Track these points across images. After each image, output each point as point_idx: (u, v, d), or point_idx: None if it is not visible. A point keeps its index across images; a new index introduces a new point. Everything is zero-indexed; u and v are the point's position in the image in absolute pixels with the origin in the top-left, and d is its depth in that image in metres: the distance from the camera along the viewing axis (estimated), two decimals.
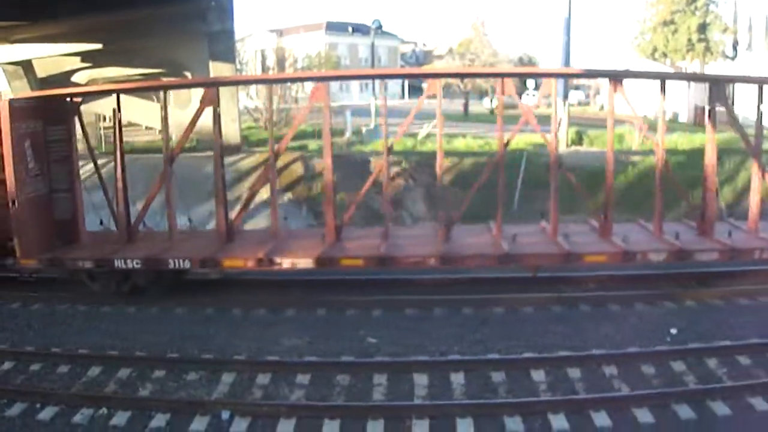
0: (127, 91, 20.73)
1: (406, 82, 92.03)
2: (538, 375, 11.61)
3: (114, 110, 17.10)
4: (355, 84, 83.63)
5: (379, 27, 45.95)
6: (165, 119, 17.09)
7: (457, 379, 11.55)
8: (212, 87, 16.52)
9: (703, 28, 65.78)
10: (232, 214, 17.32)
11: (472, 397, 11.00)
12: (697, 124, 25.47)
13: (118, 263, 15.69)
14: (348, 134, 36.12)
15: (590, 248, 15.72)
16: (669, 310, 14.80)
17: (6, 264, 17.48)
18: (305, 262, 15.49)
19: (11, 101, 16.01)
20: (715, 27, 66.00)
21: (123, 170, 17.04)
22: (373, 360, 12.60)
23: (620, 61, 66.49)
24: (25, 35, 26.96)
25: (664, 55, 68.58)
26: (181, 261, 15.81)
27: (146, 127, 36.67)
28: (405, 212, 24.16)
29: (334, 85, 75.93)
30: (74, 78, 31.37)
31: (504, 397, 10.96)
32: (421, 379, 11.60)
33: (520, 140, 30.55)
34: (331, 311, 15.39)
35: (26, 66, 29.72)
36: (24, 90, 28.67)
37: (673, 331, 13.45)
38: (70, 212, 17.34)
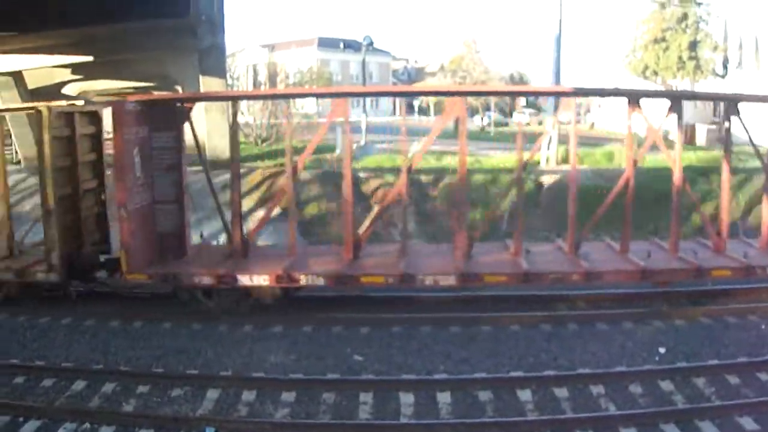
0: (243, 98, 20.21)
1: (398, 100, 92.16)
2: (525, 394, 11.55)
3: (233, 116, 17.28)
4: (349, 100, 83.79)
5: (371, 43, 45.94)
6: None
7: (444, 398, 11.47)
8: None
9: (693, 45, 66.06)
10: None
11: (458, 416, 10.93)
12: (687, 142, 25.57)
13: (244, 280, 15.27)
14: (338, 151, 36.09)
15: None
16: (657, 328, 14.73)
17: (99, 278, 17.21)
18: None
19: (124, 104, 15.59)
20: (705, 45, 66.31)
21: (238, 180, 16.88)
22: (359, 378, 12.52)
23: (612, 79, 66.59)
24: (15, 46, 26.89)
25: (655, 73, 68.87)
26: (314, 277, 15.34)
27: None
28: (394, 230, 24.06)
29: (326, 101, 76.14)
30: (65, 90, 31.34)
31: (491, 416, 10.90)
32: (407, 398, 11.53)
33: (510, 159, 30.61)
34: (317, 328, 15.25)
35: (17, 77, 29.62)
36: (14, 102, 28.56)
37: (662, 350, 13.42)
38: (176, 225, 16.62)
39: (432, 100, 78.86)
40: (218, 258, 16.52)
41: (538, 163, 30.31)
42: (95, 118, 17.77)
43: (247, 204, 24.03)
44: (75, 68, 29.91)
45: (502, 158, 31.72)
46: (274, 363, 13.39)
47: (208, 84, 29.31)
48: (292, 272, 15.30)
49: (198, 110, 26.66)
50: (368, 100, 59.53)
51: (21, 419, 10.99)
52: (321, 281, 15.22)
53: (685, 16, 67.24)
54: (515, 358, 13.24)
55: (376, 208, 17.09)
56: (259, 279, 15.19)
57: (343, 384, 12.20)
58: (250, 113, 45.11)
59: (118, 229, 15.51)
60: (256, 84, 67.92)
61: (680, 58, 66.70)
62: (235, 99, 19.68)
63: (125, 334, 15.15)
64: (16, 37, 25.57)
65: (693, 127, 46.60)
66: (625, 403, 11.14)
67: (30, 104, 17.70)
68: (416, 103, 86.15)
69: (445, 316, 15.61)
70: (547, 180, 26.50)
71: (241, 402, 11.61)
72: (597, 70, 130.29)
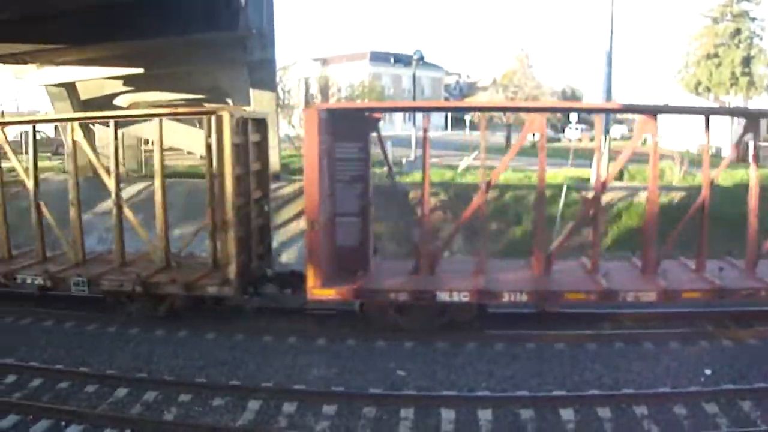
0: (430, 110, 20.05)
1: (449, 115, 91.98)
2: (567, 413, 11.36)
3: (377, 130, 16.41)
4: (398, 115, 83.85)
5: (421, 58, 45.91)
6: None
7: (485, 415, 11.33)
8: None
9: (747, 61, 65.31)
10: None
11: None
12: (739, 160, 25.11)
13: (443, 296, 14.79)
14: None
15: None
16: (704, 349, 14.42)
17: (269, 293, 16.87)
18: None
19: (319, 111, 15.11)
20: (759, 61, 65.53)
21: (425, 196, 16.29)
22: (400, 393, 12.41)
23: (663, 95, 65.92)
24: (69, 58, 27.32)
25: (708, 89, 68.09)
26: (517, 294, 14.80)
27: (187, 152, 36.99)
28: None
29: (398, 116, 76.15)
30: (116, 101, 31.74)
31: None
32: (448, 414, 11.40)
33: (559, 174, 30.34)
34: (360, 342, 15.19)
35: (69, 88, 30.09)
36: (67, 111, 29.04)
37: (708, 371, 13.12)
38: (358, 239, 16.02)
39: (482, 115, 78.39)
40: (402, 273, 16.07)
41: (589, 179, 29.99)
42: (262, 126, 17.53)
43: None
44: (126, 80, 30.25)
45: (552, 174, 31.44)
46: (316, 376, 13.35)
47: (258, 97, 29.47)
48: (493, 288, 14.95)
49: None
50: (418, 114, 59.57)
51: (63, 423, 11.09)
52: (524, 297, 14.78)
53: (738, 31, 66.44)
54: (559, 377, 13.05)
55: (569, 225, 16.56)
56: (458, 295, 14.75)
57: (385, 399, 12.10)
58: (301, 126, 45.33)
59: (305, 242, 15.35)
60: (307, 98, 68.19)
61: (733, 73, 65.97)
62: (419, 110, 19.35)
63: (168, 343, 15.25)
64: (69, 50, 25.96)
65: (746, 145, 45.69)
66: (668, 425, 10.90)
67: (208, 108, 17.49)
68: (467, 118, 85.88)
69: (489, 333, 15.43)
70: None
71: (282, 414, 11.57)
72: (649, 85, 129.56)
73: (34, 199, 18.18)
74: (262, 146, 17.57)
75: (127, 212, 17.50)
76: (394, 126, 76.11)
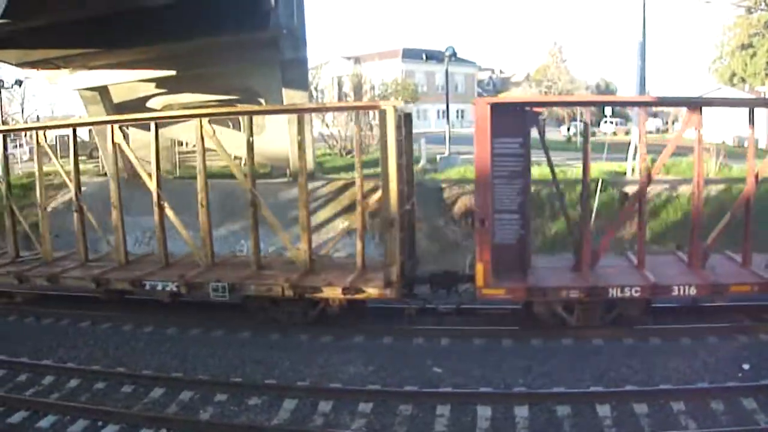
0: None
1: None
2: (604, 410, 11.22)
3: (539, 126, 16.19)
4: (432, 111, 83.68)
5: (454, 54, 45.56)
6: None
7: (521, 412, 11.23)
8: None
9: None
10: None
11: (535, 431, 10.67)
12: None
13: (614, 292, 14.58)
14: (422, 162, 35.99)
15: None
16: (742, 344, 14.21)
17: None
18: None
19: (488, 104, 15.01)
20: None
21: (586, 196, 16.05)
22: (437, 390, 12.33)
23: (698, 86, 65.31)
24: (101, 62, 27.46)
25: (743, 80, 67.27)
26: (687, 287, 14.63)
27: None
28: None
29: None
30: (149, 104, 31.79)
31: None
32: (484, 411, 11.31)
33: (594, 168, 30.02)
34: (398, 339, 15.14)
35: (102, 92, 30.23)
36: (101, 115, 29.22)
37: (746, 366, 12.91)
38: (517, 236, 15.67)
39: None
40: (560, 271, 16.01)
41: (624, 173, 29.70)
42: (408, 121, 17.13)
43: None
44: (159, 82, 30.34)
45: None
46: (352, 374, 13.31)
47: (291, 97, 29.42)
48: (664, 283, 14.81)
49: (280, 121, 26.98)
50: (453, 110, 59.21)
51: (100, 423, 11.16)
52: (693, 291, 14.66)
53: None
54: (596, 372, 12.89)
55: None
56: (630, 291, 14.61)
57: (421, 396, 12.03)
58: (335, 125, 45.34)
59: (476, 241, 15.12)
60: (341, 96, 68.26)
61: None
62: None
63: (204, 342, 15.29)
64: (101, 54, 26.12)
65: None
66: (706, 421, 10.73)
67: (370, 103, 17.07)
68: None
69: (524, 328, 15.34)
70: (632, 190, 25.91)
71: (317, 412, 11.55)
72: (683, 77, 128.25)
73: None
74: (408, 141, 17.14)
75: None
76: (428, 122, 75.99)
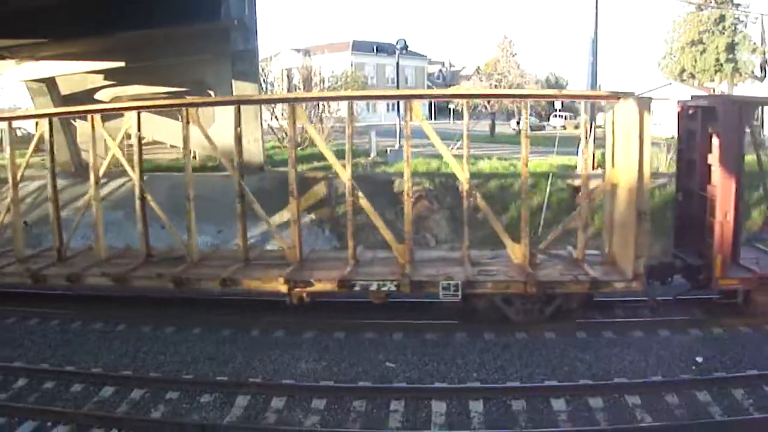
0: None
1: (434, 104, 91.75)
2: (559, 404, 11.28)
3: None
4: (381, 104, 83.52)
5: (405, 47, 45.67)
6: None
7: (476, 407, 11.23)
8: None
9: (731, 48, 65.51)
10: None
11: (490, 426, 10.68)
12: None
13: None
14: (373, 155, 36.00)
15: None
16: (695, 337, 14.41)
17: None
18: None
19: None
20: (743, 47, 65.70)
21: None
22: (391, 386, 12.31)
23: (647, 82, 66.11)
24: (49, 53, 27.03)
25: (692, 75, 68.30)
26: None
27: (171, 146, 36.70)
28: (429, 234, 23.85)
29: (361, 105, 76.15)
30: (97, 95, 31.36)
31: (523, 427, 10.64)
32: (439, 407, 11.30)
33: (544, 162, 30.31)
34: (350, 334, 15.04)
35: (50, 83, 29.76)
36: (48, 107, 28.74)
37: (699, 359, 13.09)
38: None
39: (466, 103, 78.38)
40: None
41: (575, 167, 29.95)
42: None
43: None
44: (108, 74, 29.93)
45: (538, 162, 31.41)
46: (304, 370, 13.22)
47: (241, 88, 29.21)
48: None
49: (229, 114, 26.74)
50: (402, 104, 59.23)
51: (49, 424, 10.93)
52: None
53: (722, 18, 66.66)
54: (550, 367, 12.95)
55: None
56: None
57: (374, 392, 12.00)
58: (284, 117, 45.09)
59: (716, 233, 15.08)
60: (290, 89, 67.81)
61: (717, 60, 66.20)
62: None
63: (155, 339, 15.07)
64: (49, 44, 25.70)
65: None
66: (661, 414, 10.84)
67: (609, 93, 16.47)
68: (452, 106, 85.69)
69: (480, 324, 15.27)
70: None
71: (270, 409, 11.45)
72: (633, 72, 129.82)
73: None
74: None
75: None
76: (378, 115, 75.89)
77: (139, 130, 17.57)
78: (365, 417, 11.19)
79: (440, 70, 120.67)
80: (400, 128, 39.11)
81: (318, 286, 15.46)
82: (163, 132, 31.36)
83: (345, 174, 16.58)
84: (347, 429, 10.84)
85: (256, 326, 15.60)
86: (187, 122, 17.23)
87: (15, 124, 19.47)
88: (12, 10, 22.03)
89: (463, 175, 16.15)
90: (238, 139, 17.31)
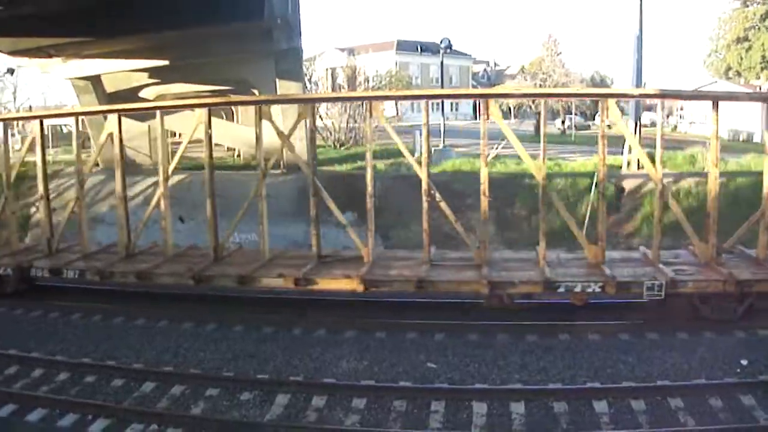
0: None
1: (478, 103, 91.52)
2: (601, 406, 11.05)
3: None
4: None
5: (449, 46, 45.48)
6: None
7: (517, 408, 11.05)
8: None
9: None
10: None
11: (531, 428, 10.50)
12: None
13: None
14: (417, 154, 35.86)
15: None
16: (740, 339, 14.03)
17: None
18: None
19: None
20: None
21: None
22: (431, 386, 12.16)
23: (693, 80, 65.38)
24: (94, 51, 27.25)
25: (738, 73, 67.29)
26: None
27: (215, 144, 36.89)
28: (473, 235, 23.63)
29: (406, 105, 75.91)
30: (142, 93, 31.58)
31: (565, 429, 10.44)
32: (480, 408, 11.14)
33: (589, 163, 29.96)
34: (391, 334, 14.92)
35: (95, 81, 30.02)
36: (93, 104, 28.99)
37: (744, 362, 12.76)
38: None
39: (512, 103, 78.10)
40: None
41: (620, 167, 29.59)
42: None
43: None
44: (152, 72, 30.11)
45: (583, 162, 31.07)
46: (345, 369, 13.13)
47: (285, 87, 29.27)
48: None
49: (275, 113, 26.78)
50: (447, 103, 59.07)
51: (90, 417, 10.97)
52: None
53: None
54: (592, 368, 12.73)
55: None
56: None
57: (415, 392, 11.85)
58: (328, 117, 45.16)
59: None
60: (335, 88, 67.96)
61: (764, 57, 65.08)
62: None
63: (197, 336, 15.08)
64: (94, 43, 25.92)
65: None
66: (704, 418, 10.58)
67: None
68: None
69: (521, 323, 15.10)
70: (628, 184, 25.82)
71: (311, 407, 11.36)
72: (679, 70, 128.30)
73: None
74: None
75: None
76: (421, 114, 75.81)
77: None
78: None
79: (485, 70, 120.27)
80: (444, 128, 39.01)
81: (522, 288, 15.35)
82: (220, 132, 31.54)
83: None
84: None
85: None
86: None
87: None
88: (56, 8, 22.24)
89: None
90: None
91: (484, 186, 16.35)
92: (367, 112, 16.95)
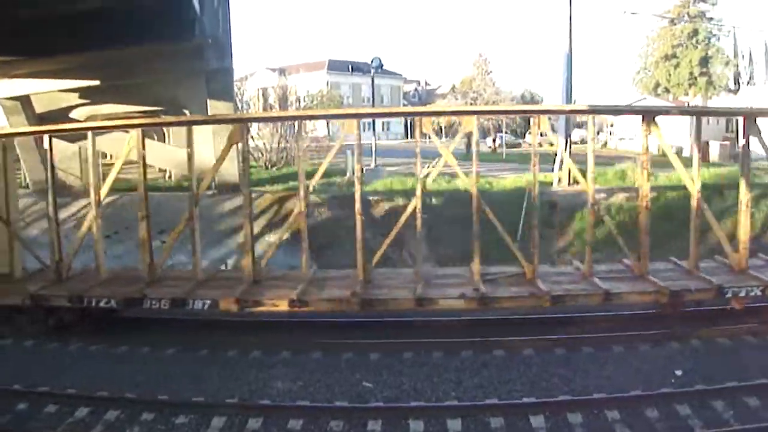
0: None
1: (409, 122, 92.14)
2: (538, 420, 11.18)
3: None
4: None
5: (380, 66, 45.92)
6: None
7: (454, 425, 11.13)
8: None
9: (704, 61, 66.22)
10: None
11: None
12: (703, 160, 25.15)
13: None
14: (349, 174, 36.00)
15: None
16: (674, 350, 14.34)
17: None
18: None
19: None
20: (717, 60, 66.50)
21: None
22: (368, 405, 12.19)
23: (623, 97, 66.81)
24: (23, 70, 26.78)
25: (667, 90, 68.95)
26: None
27: (159, 169, 36.67)
28: (406, 252, 23.76)
29: (337, 124, 76.18)
30: (73, 114, 31.11)
31: None
32: (417, 426, 11.20)
33: (521, 180, 30.38)
34: (327, 354, 14.91)
35: (24, 101, 29.54)
36: (22, 125, 28.49)
37: (678, 372, 13.04)
38: None
39: (443, 121, 78.82)
40: None
41: (551, 183, 30.07)
42: None
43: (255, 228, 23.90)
44: (82, 93, 29.69)
45: (514, 179, 31.49)
46: (281, 389, 13.07)
47: (215, 107, 29.17)
48: None
49: (206, 133, 26.65)
50: (378, 122, 59.30)
51: None
52: None
53: (695, 32, 67.39)
54: (528, 383, 12.89)
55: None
56: None
57: (352, 412, 11.87)
58: (259, 137, 45.04)
59: None
60: (266, 108, 67.81)
61: (691, 74, 66.90)
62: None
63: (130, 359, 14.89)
64: (23, 62, 25.47)
65: (707, 144, 46.35)
66: (642, 429, 10.78)
67: None
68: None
69: (455, 341, 15.19)
70: (560, 201, 26.30)
71: (246, 430, 11.31)
72: (608, 88, 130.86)
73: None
74: None
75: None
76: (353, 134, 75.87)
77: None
78: None
79: (416, 89, 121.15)
80: (375, 147, 39.22)
81: (698, 296, 15.51)
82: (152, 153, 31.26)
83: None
84: None
85: None
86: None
87: None
88: None
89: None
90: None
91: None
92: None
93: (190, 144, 17.05)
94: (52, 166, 17.82)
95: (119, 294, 16.15)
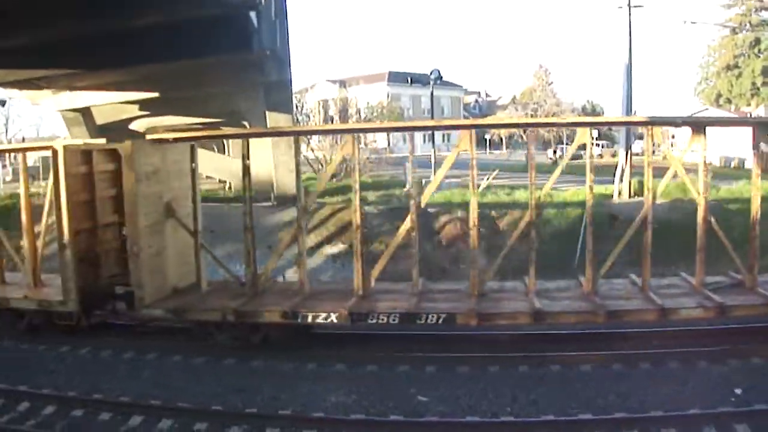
0: None
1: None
2: None
3: None
4: (418, 134, 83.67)
5: (439, 77, 45.76)
6: None
7: None
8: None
9: (767, 71, 64.85)
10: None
11: None
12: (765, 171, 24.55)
13: None
14: (408, 186, 35.89)
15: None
16: (733, 368, 13.91)
17: None
18: None
19: None
20: None
21: None
22: (422, 420, 12.02)
23: (684, 108, 65.85)
24: (85, 83, 27.28)
25: (728, 100, 67.81)
26: None
27: (206, 176, 36.91)
28: (464, 266, 23.53)
29: (397, 136, 76.24)
30: (132, 125, 31.61)
31: None
32: None
33: (579, 192, 29.97)
34: (382, 367, 14.78)
35: (85, 113, 30.04)
36: (83, 137, 28.94)
37: (738, 390, 12.65)
38: None
39: (503, 133, 78.48)
40: None
41: (611, 196, 29.65)
42: None
43: (314, 239, 23.93)
44: (142, 104, 30.14)
45: (575, 191, 31.07)
46: (335, 403, 12.97)
47: (274, 119, 29.38)
48: None
49: (265, 145, 26.82)
50: (438, 134, 59.17)
51: None
52: None
53: (757, 41, 66.17)
54: (584, 399, 12.62)
55: None
56: None
57: (406, 426, 11.74)
58: (320, 149, 45.22)
59: None
60: (327, 120, 68.17)
61: (754, 84, 65.59)
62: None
63: (186, 369, 14.91)
64: (84, 75, 25.95)
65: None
66: None
67: None
68: (487, 136, 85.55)
69: (513, 355, 14.96)
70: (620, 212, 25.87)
71: None
72: (669, 98, 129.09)
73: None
74: None
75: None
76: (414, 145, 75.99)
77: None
78: None
79: (476, 100, 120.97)
80: (435, 159, 39.02)
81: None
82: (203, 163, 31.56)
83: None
84: None
85: None
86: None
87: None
88: (47, 40, 22.23)
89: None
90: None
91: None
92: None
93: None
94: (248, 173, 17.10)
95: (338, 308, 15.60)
